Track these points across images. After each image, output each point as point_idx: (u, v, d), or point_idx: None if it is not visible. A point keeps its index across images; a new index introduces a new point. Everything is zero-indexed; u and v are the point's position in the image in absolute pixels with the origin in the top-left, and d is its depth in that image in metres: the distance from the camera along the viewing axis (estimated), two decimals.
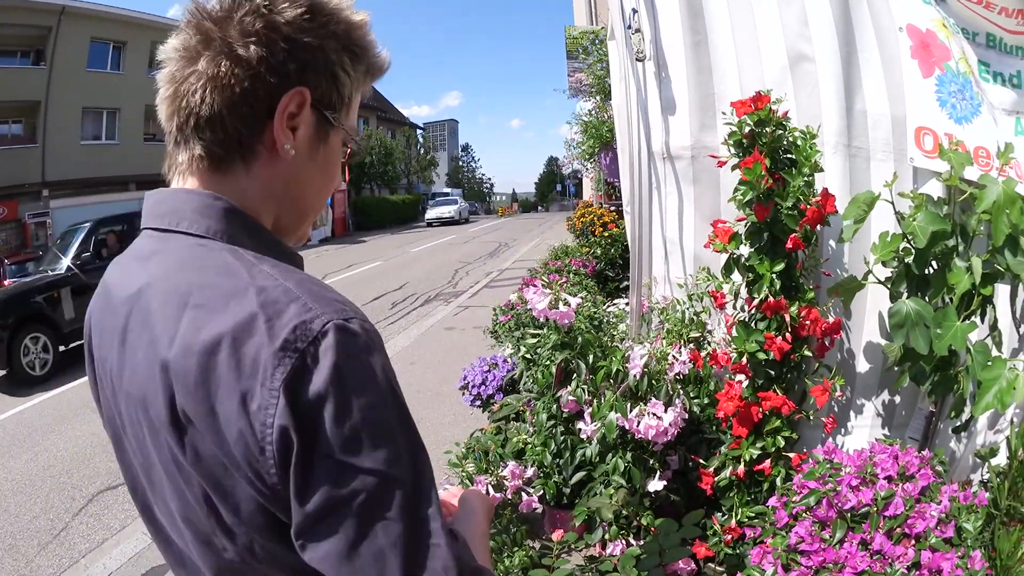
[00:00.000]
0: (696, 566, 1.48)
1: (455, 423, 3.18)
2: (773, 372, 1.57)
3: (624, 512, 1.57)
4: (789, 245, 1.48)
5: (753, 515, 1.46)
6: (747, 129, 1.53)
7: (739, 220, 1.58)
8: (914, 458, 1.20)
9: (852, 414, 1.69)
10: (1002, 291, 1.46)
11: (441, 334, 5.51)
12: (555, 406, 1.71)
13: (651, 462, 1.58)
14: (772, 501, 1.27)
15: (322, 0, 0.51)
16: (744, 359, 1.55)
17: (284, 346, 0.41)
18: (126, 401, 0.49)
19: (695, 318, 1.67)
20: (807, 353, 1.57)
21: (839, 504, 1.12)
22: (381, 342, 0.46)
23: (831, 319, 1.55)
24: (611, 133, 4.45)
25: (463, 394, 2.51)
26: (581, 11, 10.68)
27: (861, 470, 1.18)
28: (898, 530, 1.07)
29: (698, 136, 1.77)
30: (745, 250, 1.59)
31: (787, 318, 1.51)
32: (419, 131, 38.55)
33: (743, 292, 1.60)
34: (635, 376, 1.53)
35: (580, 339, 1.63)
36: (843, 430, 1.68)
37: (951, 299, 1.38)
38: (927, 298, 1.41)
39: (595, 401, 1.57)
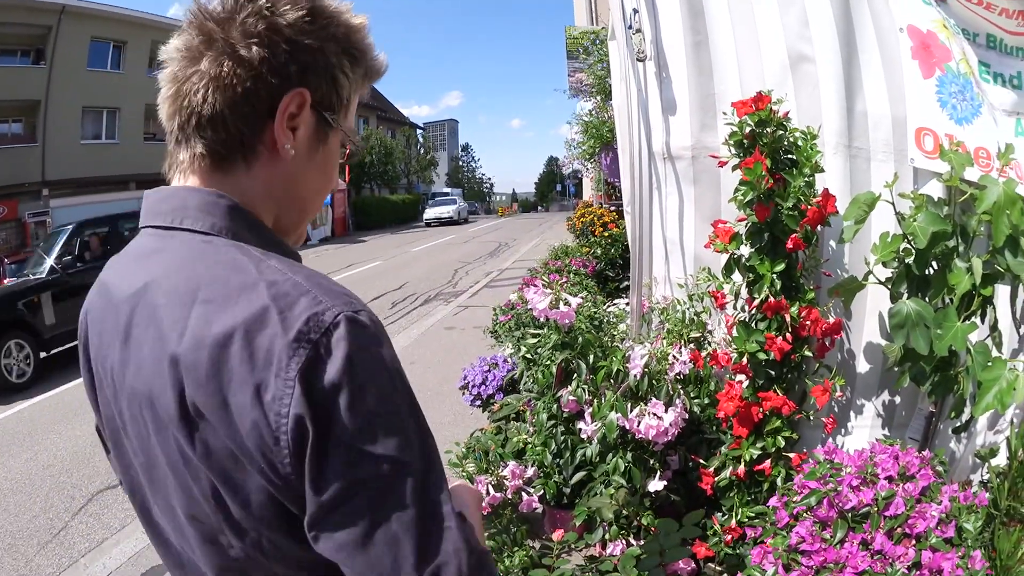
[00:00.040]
0: (696, 566, 1.48)
1: (455, 423, 3.18)
2: (773, 372, 1.57)
3: (624, 512, 1.57)
4: (790, 245, 1.48)
5: (753, 515, 1.46)
6: (748, 129, 1.53)
7: (740, 220, 1.58)
8: (915, 458, 1.20)
9: (852, 414, 1.69)
10: (1002, 292, 1.47)
11: (441, 334, 5.51)
12: (555, 406, 1.71)
13: (651, 462, 1.58)
14: (773, 501, 1.27)
15: (323, 3, 0.51)
16: (744, 359, 1.55)
17: (298, 337, 0.42)
18: (129, 399, 0.49)
19: (695, 318, 1.68)
20: (807, 353, 1.57)
21: (840, 504, 1.13)
22: (387, 334, 0.47)
23: (831, 319, 1.55)
24: (611, 133, 4.45)
25: (463, 394, 2.51)
26: (581, 11, 10.68)
27: (862, 470, 1.18)
28: (899, 530, 1.07)
29: (699, 136, 1.77)
30: (746, 250, 1.59)
31: (787, 318, 1.51)
32: (419, 131, 38.55)
33: (743, 292, 1.61)
34: (636, 376, 1.53)
35: (580, 339, 1.63)
36: (843, 430, 1.68)
37: (951, 300, 1.38)
38: (927, 299, 1.41)
39: (595, 401, 1.57)
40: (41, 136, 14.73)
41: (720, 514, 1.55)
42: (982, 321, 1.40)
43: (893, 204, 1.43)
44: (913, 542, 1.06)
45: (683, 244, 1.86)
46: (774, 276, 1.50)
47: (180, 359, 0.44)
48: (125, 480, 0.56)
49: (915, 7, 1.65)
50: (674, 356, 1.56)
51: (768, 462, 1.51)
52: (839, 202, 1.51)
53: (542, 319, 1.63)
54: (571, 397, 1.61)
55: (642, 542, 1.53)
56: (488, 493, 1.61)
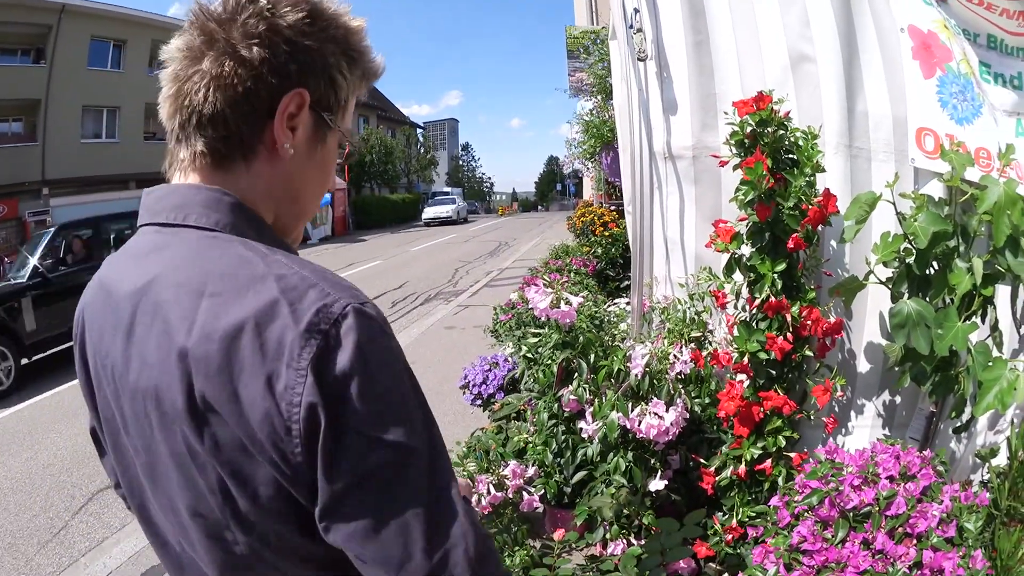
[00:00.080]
0: (697, 566, 1.49)
1: (455, 422, 3.18)
2: (774, 372, 1.57)
3: (625, 511, 1.57)
4: (791, 245, 1.48)
5: (754, 515, 1.46)
6: (749, 129, 1.53)
7: (741, 220, 1.58)
8: (915, 458, 1.20)
9: (853, 414, 1.69)
10: (1003, 292, 1.47)
11: (441, 333, 5.52)
12: (556, 405, 1.71)
13: (652, 461, 1.58)
14: (774, 501, 1.27)
15: (322, 6, 0.52)
16: (745, 359, 1.55)
17: (309, 328, 0.43)
18: (132, 396, 0.49)
19: (696, 318, 1.68)
20: (808, 353, 1.57)
21: (841, 504, 1.13)
22: (390, 326, 0.48)
23: (832, 319, 1.55)
24: (612, 132, 4.45)
25: (464, 393, 2.51)
26: (582, 11, 10.67)
27: (863, 470, 1.18)
28: (900, 530, 1.08)
29: (699, 136, 1.77)
30: (746, 250, 1.59)
31: (788, 318, 1.51)
32: (419, 130, 38.55)
33: (744, 292, 1.61)
34: (637, 375, 1.53)
35: (581, 338, 1.63)
36: (844, 430, 1.68)
37: (952, 300, 1.38)
38: (928, 299, 1.41)
39: (596, 400, 1.57)
40: (41, 135, 14.73)
41: (721, 514, 1.55)
42: (983, 321, 1.40)
43: (894, 204, 1.43)
44: (914, 542, 1.06)
45: (684, 243, 1.86)
46: (775, 276, 1.51)
47: (189, 352, 0.44)
48: (124, 481, 0.56)
49: (916, 7, 1.65)
50: (675, 355, 1.56)
51: (769, 462, 1.52)
52: (840, 202, 1.51)
53: (543, 318, 1.63)
54: (572, 396, 1.61)
55: (643, 542, 1.53)
56: (489, 492, 1.61)
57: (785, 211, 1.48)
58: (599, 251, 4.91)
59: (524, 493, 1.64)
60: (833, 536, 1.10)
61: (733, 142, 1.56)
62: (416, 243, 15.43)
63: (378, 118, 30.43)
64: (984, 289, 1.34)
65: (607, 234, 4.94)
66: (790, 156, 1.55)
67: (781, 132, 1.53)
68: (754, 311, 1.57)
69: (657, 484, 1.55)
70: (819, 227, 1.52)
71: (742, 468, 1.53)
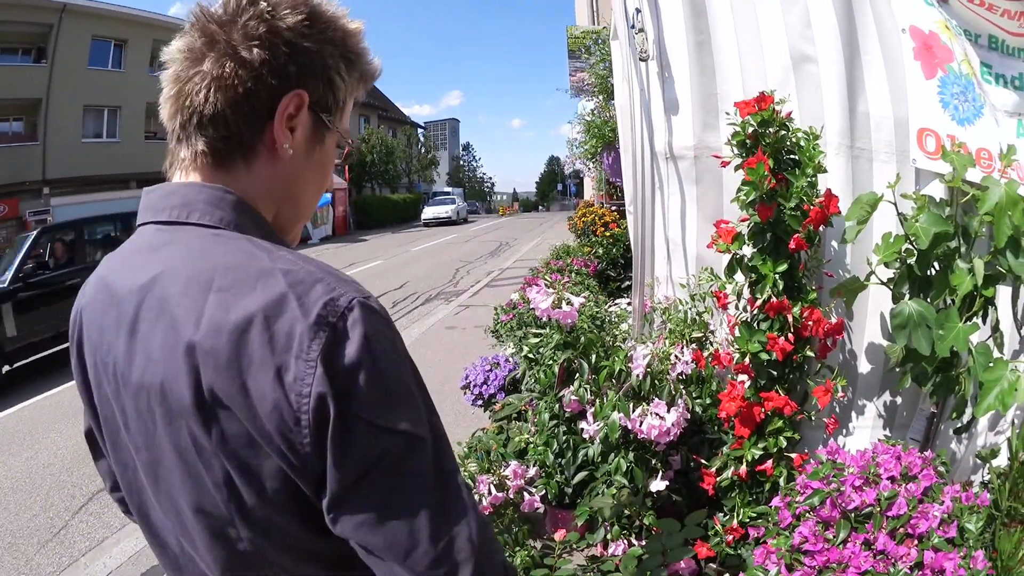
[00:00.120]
0: (697, 566, 1.49)
1: (456, 422, 3.18)
2: (775, 372, 1.57)
3: (626, 512, 1.57)
4: (792, 246, 1.48)
5: (755, 515, 1.46)
6: (750, 129, 1.53)
7: (742, 220, 1.58)
8: (917, 459, 1.20)
9: (854, 415, 1.69)
10: (1004, 293, 1.47)
11: (442, 333, 5.52)
12: (557, 406, 1.71)
13: (653, 462, 1.58)
14: (776, 501, 1.27)
15: (321, 8, 0.53)
16: (747, 359, 1.55)
17: (318, 321, 0.44)
18: (135, 393, 0.49)
19: (697, 318, 1.68)
20: (809, 354, 1.57)
21: (843, 504, 1.13)
22: (392, 320, 0.49)
23: (833, 320, 1.55)
24: (613, 133, 4.45)
25: (465, 393, 2.51)
26: (583, 11, 10.68)
27: (864, 470, 1.18)
28: (901, 530, 1.08)
29: (701, 136, 1.77)
30: (748, 250, 1.59)
31: (790, 319, 1.51)
32: (420, 130, 38.53)
33: (746, 292, 1.61)
34: (638, 376, 1.53)
35: (583, 339, 1.63)
36: (844, 431, 1.68)
37: (953, 300, 1.38)
38: (929, 299, 1.41)
39: (598, 401, 1.57)
40: (42, 134, 14.74)
41: (722, 514, 1.55)
42: (984, 322, 1.40)
43: (895, 205, 1.43)
44: (915, 542, 1.06)
45: (685, 244, 1.86)
46: (776, 276, 1.51)
47: (197, 346, 0.44)
48: (123, 482, 0.56)
49: (917, 8, 1.65)
50: (676, 356, 1.56)
51: (770, 462, 1.52)
52: (841, 202, 1.51)
53: (544, 319, 1.63)
54: (573, 397, 1.61)
55: (644, 542, 1.53)
56: (490, 493, 1.61)
57: (787, 212, 1.48)
58: (600, 251, 4.91)
59: (525, 493, 1.64)
60: (834, 536, 1.10)
61: (735, 142, 1.56)
62: (417, 243, 15.44)
63: (379, 118, 30.44)
64: (985, 290, 1.34)
65: (608, 234, 4.94)
66: (792, 157, 1.55)
67: (783, 132, 1.53)
68: (755, 312, 1.57)
69: (658, 485, 1.55)
70: (820, 228, 1.52)
71: (743, 469, 1.53)
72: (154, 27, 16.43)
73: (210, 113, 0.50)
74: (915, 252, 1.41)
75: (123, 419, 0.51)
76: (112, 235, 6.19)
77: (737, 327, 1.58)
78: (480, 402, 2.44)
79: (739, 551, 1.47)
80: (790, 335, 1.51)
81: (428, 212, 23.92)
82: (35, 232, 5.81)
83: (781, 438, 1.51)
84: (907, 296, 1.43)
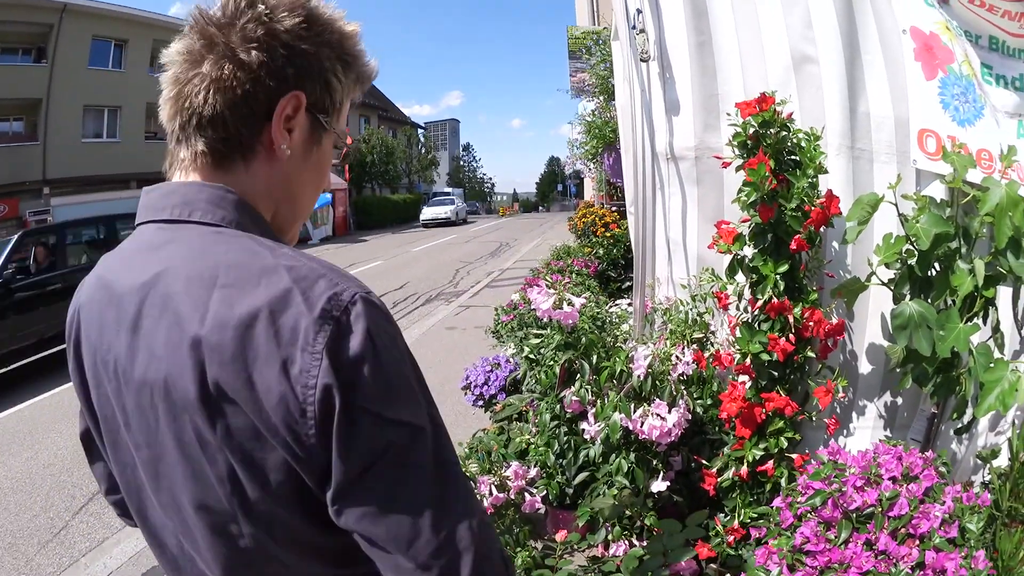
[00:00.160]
0: (698, 567, 1.49)
1: (456, 423, 3.18)
2: (776, 373, 1.58)
3: (627, 513, 1.57)
4: (793, 246, 1.48)
5: (756, 516, 1.46)
6: (751, 130, 1.53)
7: (743, 221, 1.59)
8: (918, 459, 1.20)
9: (854, 415, 1.69)
10: (1004, 293, 1.47)
11: (442, 333, 5.52)
12: (558, 406, 1.71)
13: (654, 463, 1.58)
14: (777, 502, 1.27)
15: (318, 11, 0.53)
16: (747, 360, 1.55)
17: (322, 315, 0.44)
18: (137, 390, 0.49)
19: (698, 319, 1.68)
20: (810, 354, 1.57)
21: (844, 504, 1.13)
22: (392, 315, 0.50)
23: (834, 320, 1.55)
24: (614, 133, 4.45)
25: (465, 394, 2.51)
26: (583, 11, 10.69)
27: (866, 471, 1.18)
28: (902, 530, 1.08)
29: (702, 137, 1.77)
30: (749, 251, 1.59)
31: (791, 319, 1.51)
32: (420, 130, 38.55)
33: (746, 293, 1.61)
34: (639, 377, 1.54)
35: (584, 339, 1.63)
36: (845, 431, 1.69)
37: (954, 301, 1.38)
38: (930, 300, 1.41)
39: (599, 401, 1.57)
40: (42, 134, 14.75)
41: (723, 515, 1.56)
42: (984, 323, 1.40)
43: (896, 205, 1.43)
44: (917, 542, 1.06)
45: (686, 245, 1.86)
46: (777, 277, 1.51)
47: (203, 341, 0.45)
48: (121, 481, 0.56)
49: (918, 9, 1.65)
50: (677, 357, 1.57)
51: (771, 463, 1.52)
52: (842, 203, 1.51)
53: (545, 319, 1.63)
54: (574, 397, 1.61)
55: (645, 543, 1.53)
56: (491, 493, 1.61)
57: (788, 212, 1.48)
58: (600, 252, 4.91)
59: (526, 494, 1.64)
60: (836, 537, 1.10)
61: (736, 143, 1.56)
62: (417, 243, 15.44)
63: (379, 118, 30.45)
64: (986, 290, 1.34)
65: (608, 235, 4.95)
66: (792, 157, 1.55)
67: (784, 133, 1.53)
68: (756, 312, 1.57)
69: (659, 485, 1.55)
70: (821, 228, 1.52)
71: (744, 469, 1.53)
72: (154, 27, 16.44)
73: (209, 114, 0.50)
74: (916, 253, 1.41)
75: (123, 417, 0.52)
76: (96, 238, 6.07)
77: (738, 328, 1.59)
78: (481, 403, 2.44)
79: (740, 552, 1.47)
80: (791, 336, 1.52)
81: (427, 213, 23.76)
82: (15, 236, 5.54)
83: (782, 439, 1.51)
84: (908, 297, 1.43)
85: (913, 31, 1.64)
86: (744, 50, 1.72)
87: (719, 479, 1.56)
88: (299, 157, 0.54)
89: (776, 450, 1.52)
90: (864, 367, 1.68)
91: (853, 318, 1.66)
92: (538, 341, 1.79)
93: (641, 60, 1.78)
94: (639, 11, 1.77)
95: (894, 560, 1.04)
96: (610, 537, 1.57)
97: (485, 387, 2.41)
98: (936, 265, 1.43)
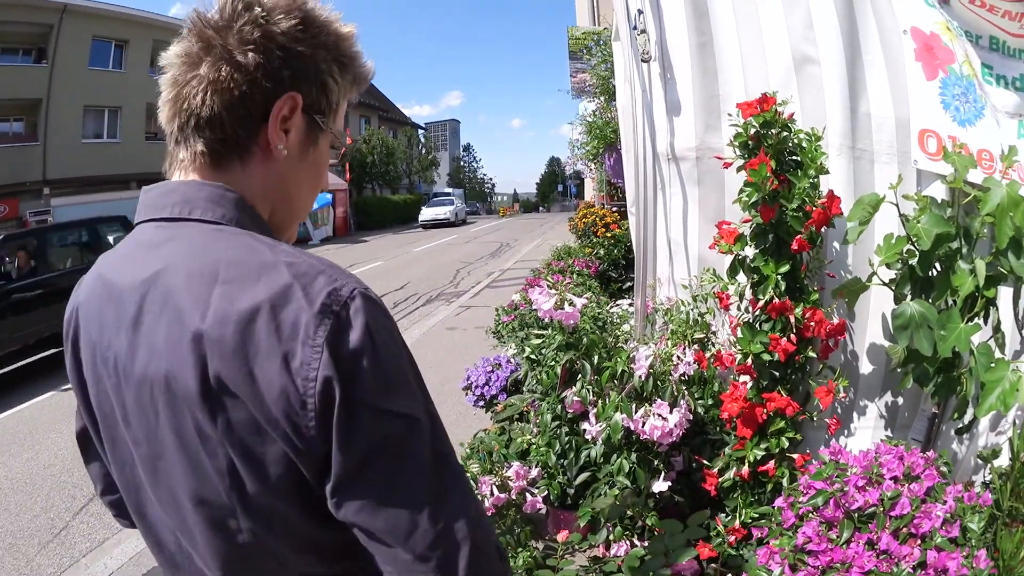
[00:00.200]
0: (699, 567, 1.49)
1: (457, 423, 3.18)
2: (777, 373, 1.58)
3: (628, 513, 1.57)
4: (794, 247, 1.49)
5: (757, 516, 1.46)
6: (753, 131, 1.53)
7: (744, 221, 1.59)
8: (919, 459, 1.20)
9: (855, 415, 1.70)
10: (1005, 293, 1.47)
11: (443, 334, 5.52)
12: (560, 407, 1.72)
13: (655, 463, 1.58)
14: (779, 501, 1.27)
15: (314, 13, 0.54)
16: (749, 360, 1.55)
17: (322, 309, 0.45)
18: (137, 385, 0.49)
19: (699, 319, 1.68)
20: (811, 354, 1.57)
21: (846, 504, 1.13)
22: (389, 311, 0.51)
23: (835, 321, 1.55)
24: (615, 134, 4.46)
25: (466, 394, 2.52)
26: (583, 11, 10.69)
27: (867, 471, 1.18)
28: (904, 530, 1.08)
29: (703, 137, 1.77)
30: (750, 251, 1.59)
31: (792, 319, 1.51)
32: (420, 131, 38.55)
33: (748, 293, 1.61)
34: (640, 377, 1.54)
35: (585, 340, 1.63)
36: (846, 431, 1.69)
37: (955, 301, 1.38)
38: (931, 300, 1.41)
39: (600, 402, 1.57)
40: (42, 135, 14.75)
41: (724, 515, 1.56)
42: (985, 323, 1.40)
43: (897, 206, 1.43)
44: (918, 542, 1.06)
45: (687, 245, 1.87)
46: (779, 277, 1.51)
47: (204, 335, 0.45)
48: (119, 479, 0.56)
49: (918, 9, 1.65)
50: (678, 357, 1.57)
51: (772, 463, 1.52)
52: (843, 204, 1.52)
53: (547, 320, 1.63)
54: (576, 398, 1.61)
55: (646, 543, 1.53)
56: (492, 494, 1.61)
57: (789, 213, 1.48)
58: (601, 252, 4.92)
59: (527, 494, 1.64)
60: (838, 537, 1.11)
61: (737, 144, 1.57)
62: (417, 244, 15.44)
63: (379, 119, 30.45)
64: (987, 291, 1.34)
65: (609, 235, 4.95)
66: (794, 158, 1.55)
67: (785, 134, 1.53)
68: (757, 312, 1.57)
69: (660, 485, 1.55)
70: (822, 229, 1.53)
71: (745, 469, 1.53)
72: (154, 27, 16.45)
73: (207, 116, 0.51)
74: (917, 253, 1.41)
75: (123, 414, 0.52)
76: (80, 241, 5.97)
77: (739, 328, 1.59)
78: (482, 403, 2.45)
79: (741, 552, 1.47)
80: (792, 336, 1.52)
81: (426, 213, 23.47)
82: None
83: (783, 439, 1.51)
84: (909, 297, 1.43)
85: (914, 31, 1.64)
86: (745, 51, 1.72)
87: (720, 479, 1.56)
88: (295, 157, 0.55)
89: (777, 450, 1.52)
90: (865, 367, 1.68)
91: (854, 318, 1.66)
92: (539, 341, 1.79)
93: (642, 61, 1.78)
94: (640, 12, 1.77)
95: (896, 560, 1.04)
96: (611, 537, 1.57)
97: (486, 387, 2.41)
98: (937, 265, 1.43)
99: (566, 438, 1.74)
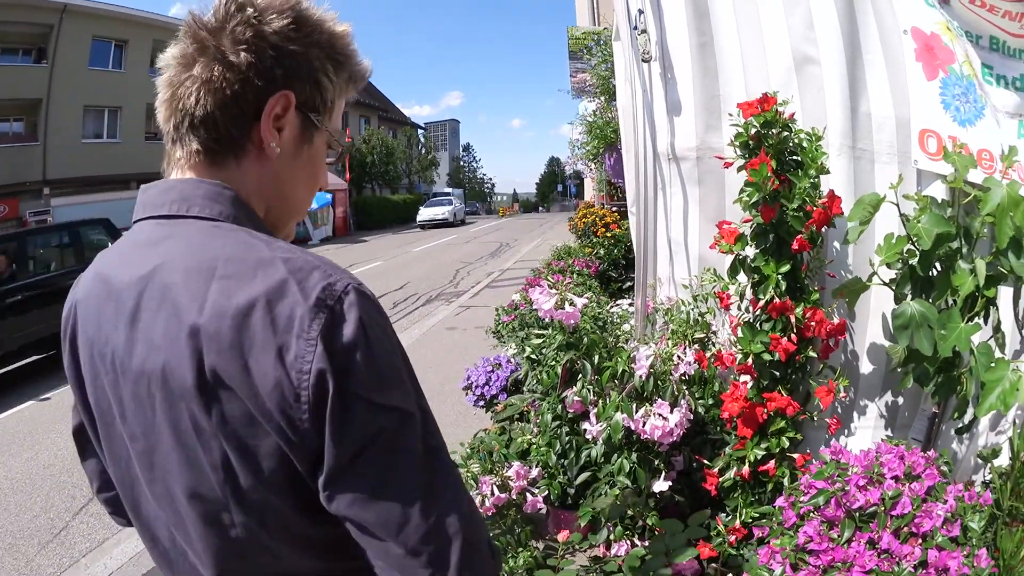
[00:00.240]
0: (700, 566, 1.49)
1: (457, 423, 3.18)
2: (778, 373, 1.58)
3: (629, 512, 1.57)
4: (795, 246, 1.49)
5: (757, 515, 1.46)
6: (753, 131, 1.53)
7: (745, 221, 1.59)
8: (920, 458, 1.20)
9: (855, 415, 1.70)
10: (1005, 293, 1.47)
11: (443, 334, 5.52)
12: (560, 406, 1.72)
13: (656, 463, 1.58)
14: (780, 501, 1.27)
15: (307, 13, 0.55)
16: (749, 360, 1.55)
17: (317, 303, 0.46)
18: (135, 380, 0.50)
19: (700, 319, 1.68)
20: (812, 354, 1.57)
21: (847, 504, 1.13)
22: (382, 307, 0.51)
23: (836, 320, 1.56)
24: (616, 134, 4.46)
25: (466, 394, 2.52)
26: (583, 11, 10.70)
27: (868, 470, 1.18)
28: (905, 529, 1.08)
29: (703, 137, 1.78)
30: (751, 251, 1.59)
31: (792, 319, 1.51)
32: (420, 131, 38.54)
33: (748, 293, 1.61)
34: (641, 377, 1.54)
35: (586, 340, 1.63)
36: (846, 431, 1.69)
37: (955, 301, 1.39)
38: (931, 300, 1.42)
39: (600, 402, 1.57)
40: (42, 135, 14.75)
41: (724, 515, 1.56)
42: (985, 322, 1.41)
43: (898, 205, 1.43)
44: (919, 541, 1.06)
45: (687, 245, 1.87)
46: (779, 277, 1.51)
47: (201, 329, 0.46)
48: (116, 475, 0.57)
49: (919, 9, 1.65)
50: (679, 357, 1.57)
51: (772, 463, 1.52)
52: (843, 203, 1.52)
53: (547, 319, 1.63)
54: (576, 398, 1.61)
55: (647, 543, 1.53)
56: (493, 493, 1.61)
57: (789, 212, 1.48)
58: (601, 252, 4.92)
59: (528, 494, 1.64)
60: (839, 536, 1.11)
61: (738, 143, 1.57)
62: (417, 244, 15.44)
63: (379, 119, 30.45)
64: (987, 290, 1.34)
65: (609, 235, 4.95)
66: (794, 158, 1.55)
67: (785, 134, 1.54)
68: (758, 312, 1.57)
69: (661, 485, 1.55)
70: (823, 228, 1.53)
71: (745, 469, 1.53)
72: (154, 27, 16.44)
73: (201, 115, 0.52)
74: (917, 253, 1.41)
75: (119, 409, 0.52)
76: (63, 245, 5.86)
77: (740, 328, 1.59)
78: (482, 403, 2.45)
79: (742, 551, 1.47)
80: (793, 336, 1.52)
81: (424, 214, 23.06)
82: None
83: (783, 438, 1.51)
84: (909, 297, 1.43)
85: (914, 31, 1.64)
86: (746, 51, 1.72)
87: (721, 479, 1.56)
88: (289, 155, 0.56)
89: (778, 450, 1.52)
90: (865, 367, 1.68)
91: (854, 318, 1.66)
92: (540, 341, 1.79)
93: (643, 61, 1.78)
94: (641, 12, 1.77)
95: (897, 559, 1.04)
96: (612, 537, 1.57)
97: (486, 387, 2.41)
98: (937, 265, 1.43)
99: (566, 438, 1.74)
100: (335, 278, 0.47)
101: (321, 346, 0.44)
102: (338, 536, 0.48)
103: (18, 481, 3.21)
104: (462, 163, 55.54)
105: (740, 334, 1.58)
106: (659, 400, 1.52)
